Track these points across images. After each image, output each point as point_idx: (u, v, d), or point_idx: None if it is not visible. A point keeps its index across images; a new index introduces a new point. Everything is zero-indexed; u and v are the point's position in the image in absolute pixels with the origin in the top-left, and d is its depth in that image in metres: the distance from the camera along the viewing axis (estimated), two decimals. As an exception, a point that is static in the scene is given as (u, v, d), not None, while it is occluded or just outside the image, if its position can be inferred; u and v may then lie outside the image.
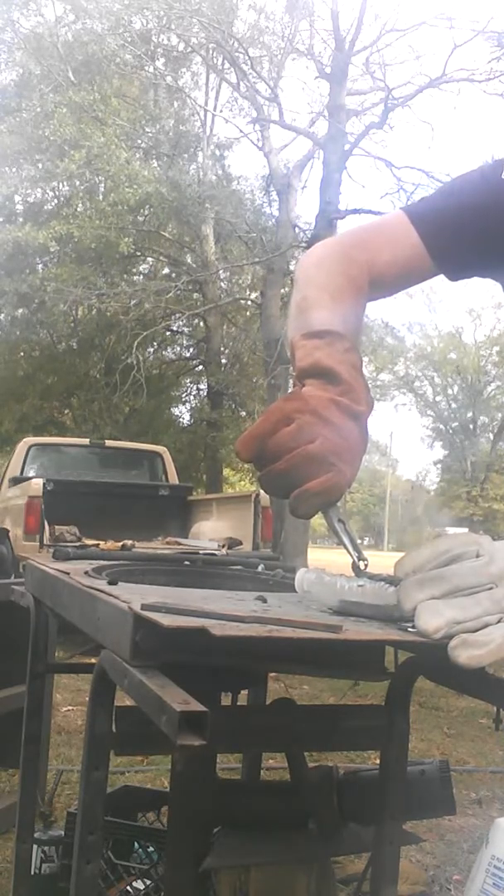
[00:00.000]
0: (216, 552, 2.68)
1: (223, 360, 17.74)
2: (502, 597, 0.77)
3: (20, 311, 16.18)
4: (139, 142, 15.29)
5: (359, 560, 0.97)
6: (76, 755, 3.41)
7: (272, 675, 2.09)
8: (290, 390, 1.01)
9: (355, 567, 0.97)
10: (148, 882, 1.81)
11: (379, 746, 1.18)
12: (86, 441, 9.81)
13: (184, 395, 20.49)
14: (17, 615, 1.70)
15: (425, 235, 1.12)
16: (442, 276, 1.18)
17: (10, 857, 2.11)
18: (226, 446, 15.67)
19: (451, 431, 37.50)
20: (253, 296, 16.20)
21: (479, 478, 36.23)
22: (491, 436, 36.99)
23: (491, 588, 0.77)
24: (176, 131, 15.96)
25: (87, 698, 0.98)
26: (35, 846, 1.85)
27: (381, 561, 1.86)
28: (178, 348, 20.02)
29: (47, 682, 2.02)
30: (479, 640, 0.74)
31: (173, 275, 16.70)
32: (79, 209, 14.27)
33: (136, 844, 1.92)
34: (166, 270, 17.56)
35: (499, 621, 0.76)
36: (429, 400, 37.35)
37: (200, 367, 18.74)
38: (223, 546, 5.46)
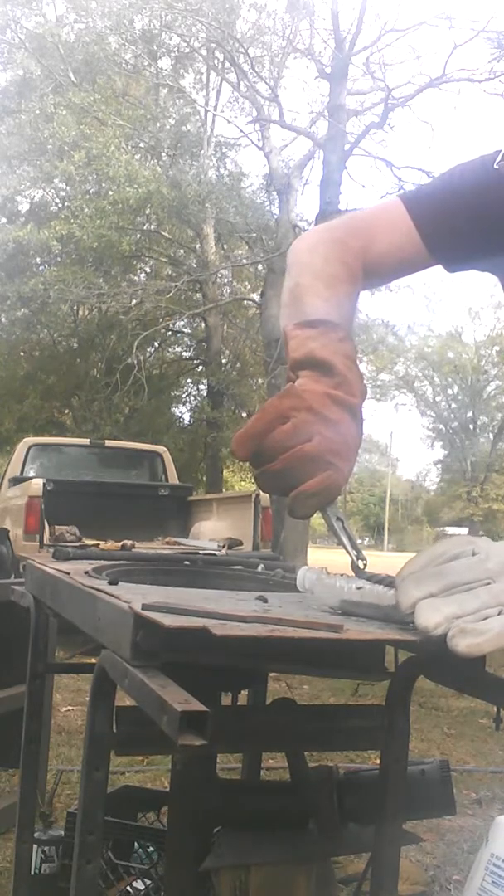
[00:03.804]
0: (216, 552, 2.68)
1: (223, 360, 17.74)
2: (500, 590, 0.77)
3: (21, 311, 16.19)
4: (140, 142, 15.28)
5: (357, 559, 0.97)
6: (76, 755, 3.41)
7: (272, 675, 2.09)
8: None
9: (354, 566, 0.97)
10: (148, 882, 1.81)
11: (379, 746, 1.17)
12: (86, 441, 9.79)
13: (184, 395, 20.50)
14: (17, 615, 1.70)
15: (420, 222, 1.09)
16: (442, 276, 1.18)
17: (10, 857, 2.11)
18: (226, 446, 15.65)
19: (451, 431, 37.52)
20: (253, 296, 16.20)
21: (479, 478, 36.26)
22: (491, 436, 37.02)
23: (488, 583, 0.77)
24: (177, 131, 15.95)
25: (87, 698, 0.98)
26: (35, 846, 1.85)
27: (381, 561, 1.86)
28: (179, 348, 20.04)
29: (47, 682, 2.02)
30: (477, 629, 0.73)
31: (174, 274, 16.70)
32: (84, 210, 14.24)
33: (136, 844, 1.92)
34: (168, 271, 17.56)
35: (499, 613, 0.75)
36: (429, 400, 37.40)
37: (200, 367, 18.74)
38: (223, 546, 5.45)
